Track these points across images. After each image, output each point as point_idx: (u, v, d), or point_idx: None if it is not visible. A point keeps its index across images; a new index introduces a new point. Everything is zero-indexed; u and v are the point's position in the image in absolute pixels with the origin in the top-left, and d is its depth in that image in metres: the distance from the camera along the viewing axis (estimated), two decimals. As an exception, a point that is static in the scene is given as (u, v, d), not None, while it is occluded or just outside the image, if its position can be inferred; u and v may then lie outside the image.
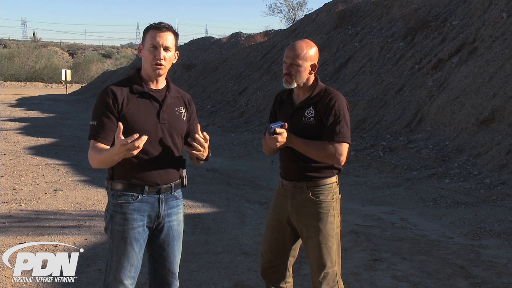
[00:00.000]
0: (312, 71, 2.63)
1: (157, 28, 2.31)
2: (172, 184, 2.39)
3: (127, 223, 2.29)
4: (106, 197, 2.41)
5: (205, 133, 2.33)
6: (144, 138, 2.08)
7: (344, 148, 2.55)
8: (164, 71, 2.35)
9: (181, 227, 2.48)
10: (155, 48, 2.29)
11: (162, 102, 2.36)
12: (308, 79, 2.63)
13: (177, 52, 2.41)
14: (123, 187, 2.30)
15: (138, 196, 2.31)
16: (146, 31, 2.34)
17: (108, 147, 2.26)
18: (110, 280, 2.33)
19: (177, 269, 2.49)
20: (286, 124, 2.50)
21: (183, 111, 2.44)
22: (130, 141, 2.05)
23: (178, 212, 2.46)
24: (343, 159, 2.55)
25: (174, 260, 2.46)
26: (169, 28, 2.33)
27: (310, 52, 2.60)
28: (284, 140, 2.48)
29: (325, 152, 2.52)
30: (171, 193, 2.40)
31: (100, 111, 2.28)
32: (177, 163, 2.41)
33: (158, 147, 2.32)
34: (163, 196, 2.36)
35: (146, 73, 2.37)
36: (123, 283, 2.32)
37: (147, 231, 2.36)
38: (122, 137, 2.08)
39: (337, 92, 2.67)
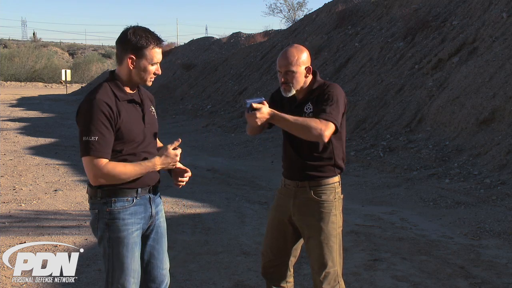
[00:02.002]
0: (308, 74, 2.64)
1: (158, 45, 2.32)
2: (157, 183, 2.43)
3: (126, 228, 2.27)
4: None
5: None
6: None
7: (330, 126, 2.47)
8: None
9: (165, 224, 2.52)
10: (157, 63, 2.34)
11: (143, 106, 2.38)
12: (305, 82, 2.65)
13: None
14: (117, 193, 2.27)
15: (133, 200, 2.30)
16: (147, 46, 2.27)
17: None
18: None
19: (167, 265, 2.50)
20: (265, 101, 2.41)
21: (153, 109, 2.48)
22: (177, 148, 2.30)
23: (162, 208, 2.51)
24: (326, 135, 2.46)
25: (164, 257, 2.48)
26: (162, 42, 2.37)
27: (302, 57, 2.61)
28: (264, 116, 2.38)
29: (309, 126, 2.43)
30: (157, 191, 2.43)
31: (98, 124, 2.16)
32: None
33: (146, 149, 2.34)
34: (152, 196, 2.39)
35: (129, 81, 2.33)
36: None
37: (141, 233, 2.37)
38: (170, 148, 2.30)
39: (335, 84, 2.68)
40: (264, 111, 2.37)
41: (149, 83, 2.37)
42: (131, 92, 2.36)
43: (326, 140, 2.48)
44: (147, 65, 2.30)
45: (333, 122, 2.49)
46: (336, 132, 2.54)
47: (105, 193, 2.26)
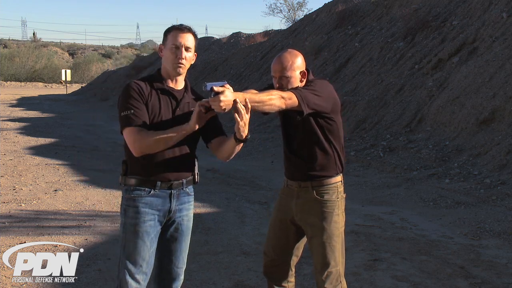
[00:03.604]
0: (303, 79, 2.62)
1: (179, 29, 2.40)
2: (184, 181, 2.45)
3: (139, 216, 2.36)
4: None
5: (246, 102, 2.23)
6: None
7: (293, 95, 2.39)
8: (184, 70, 2.43)
9: (190, 223, 2.55)
10: (177, 48, 2.38)
11: (180, 101, 2.43)
12: (300, 86, 2.62)
13: (196, 53, 2.49)
14: (136, 182, 2.38)
15: (150, 191, 2.38)
16: (168, 31, 2.42)
17: None
18: (122, 275, 2.36)
19: (183, 264, 2.54)
20: (228, 84, 2.21)
21: None
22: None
23: (189, 208, 2.52)
24: (287, 102, 2.37)
25: (181, 255, 2.52)
26: (190, 29, 2.44)
27: (297, 62, 2.59)
28: (230, 100, 2.16)
29: (271, 95, 2.35)
30: (182, 189, 2.46)
31: (132, 100, 2.32)
32: (189, 161, 2.46)
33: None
34: (175, 192, 2.43)
35: (166, 72, 2.44)
36: (135, 278, 2.36)
37: (158, 226, 2.42)
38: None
39: (323, 80, 2.67)
40: (228, 95, 2.15)
41: (178, 70, 2.40)
42: (173, 86, 2.44)
43: (283, 106, 2.37)
44: (167, 49, 2.38)
45: (296, 95, 2.40)
46: (301, 112, 2.43)
47: (128, 181, 2.39)
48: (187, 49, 2.39)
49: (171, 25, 2.45)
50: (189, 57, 2.42)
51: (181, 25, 2.42)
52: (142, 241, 2.35)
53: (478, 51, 10.64)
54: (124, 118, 2.31)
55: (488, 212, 5.84)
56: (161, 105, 2.37)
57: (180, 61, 2.38)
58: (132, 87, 2.35)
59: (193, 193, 2.55)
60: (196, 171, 2.52)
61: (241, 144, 2.34)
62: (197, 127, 2.30)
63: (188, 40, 2.39)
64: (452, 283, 3.83)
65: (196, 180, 2.53)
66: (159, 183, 2.37)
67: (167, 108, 2.39)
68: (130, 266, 2.35)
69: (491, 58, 9.72)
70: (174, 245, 2.49)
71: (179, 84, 2.47)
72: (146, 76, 2.49)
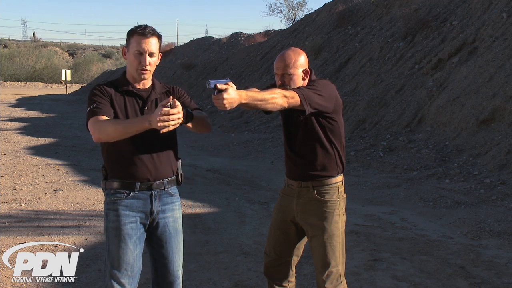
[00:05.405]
0: (305, 77, 2.62)
1: (142, 34, 2.33)
2: (165, 181, 2.42)
3: (120, 219, 2.34)
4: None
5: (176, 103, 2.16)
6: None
7: (295, 95, 2.39)
8: (149, 75, 2.40)
9: (178, 225, 2.49)
10: (141, 54, 2.33)
11: (147, 99, 2.40)
12: (303, 84, 2.61)
13: (160, 54, 2.44)
14: (116, 185, 2.36)
15: (130, 193, 2.35)
16: (131, 35, 2.35)
17: None
18: (108, 280, 2.35)
19: (178, 267, 2.49)
20: (231, 82, 2.19)
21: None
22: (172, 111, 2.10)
23: (174, 209, 2.48)
24: (289, 101, 2.37)
25: (174, 258, 2.46)
26: (153, 33, 2.36)
27: (300, 59, 2.59)
28: (233, 98, 2.13)
29: (274, 93, 2.34)
30: (164, 189, 2.42)
31: (95, 97, 2.33)
32: (168, 160, 2.42)
33: (146, 144, 2.33)
34: (155, 193, 2.39)
35: (131, 76, 2.41)
36: (120, 282, 2.33)
37: (141, 228, 2.39)
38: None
39: (324, 80, 2.67)
40: (232, 93, 2.12)
41: (142, 76, 2.36)
42: (139, 87, 2.41)
43: (286, 105, 2.36)
44: (131, 54, 2.34)
45: (299, 94, 2.40)
46: (303, 112, 2.43)
47: (108, 185, 2.38)
48: (151, 54, 2.34)
49: (134, 26, 2.39)
50: (153, 62, 2.37)
51: (144, 28, 2.35)
52: (124, 244, 2.33)
53: (478, 51, 10.64)
54: (88, 112, 2.32)
55: (488, 212, 5.85)
56: (127, 107, 2.36)
57: (144, 67, 2.34)
58: (95, 89, 2.38)
59: (177, 194, 2.51)
60: (180, 171, 2.49)
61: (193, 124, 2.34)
62: (159, 125, 2.11)
63: (152, 45, 2.33)
64: (452, 283, 3.83)
65: (180, 181, 2.49)
66: (138, 184, 2.35)
67: (133, 109, 2.37)
68: (115, 271, 2.33)
69: (491, 58, 9.72)
70: (165, 248, 2.44)
71: (146, 84, 2.44)
72: (111, 80, 2.46)
